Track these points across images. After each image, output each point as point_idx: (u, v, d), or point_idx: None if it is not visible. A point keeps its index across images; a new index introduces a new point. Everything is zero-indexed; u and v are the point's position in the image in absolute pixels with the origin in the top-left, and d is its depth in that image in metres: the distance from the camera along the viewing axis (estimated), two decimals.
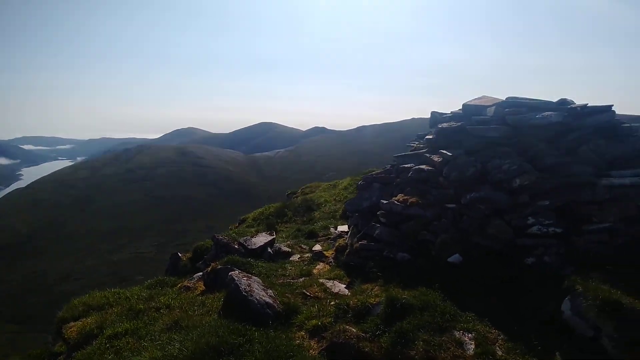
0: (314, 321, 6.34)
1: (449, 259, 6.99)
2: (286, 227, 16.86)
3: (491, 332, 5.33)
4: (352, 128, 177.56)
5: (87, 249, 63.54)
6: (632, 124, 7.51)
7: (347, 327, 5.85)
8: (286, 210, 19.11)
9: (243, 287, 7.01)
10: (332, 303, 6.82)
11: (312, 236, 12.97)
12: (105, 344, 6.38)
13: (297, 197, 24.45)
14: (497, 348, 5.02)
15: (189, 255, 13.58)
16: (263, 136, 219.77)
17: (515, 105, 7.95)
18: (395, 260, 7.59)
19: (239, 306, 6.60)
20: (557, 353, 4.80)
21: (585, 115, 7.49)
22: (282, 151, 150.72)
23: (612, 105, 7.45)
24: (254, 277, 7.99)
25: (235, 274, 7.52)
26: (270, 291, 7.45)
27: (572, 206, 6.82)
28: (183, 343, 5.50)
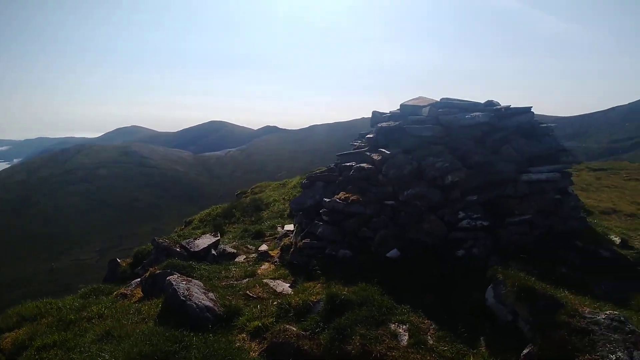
0: (255, 322, 6.29)
1: (388, 255, 7.25)
2: (234, 228, 16.55)
3: (424, 323, 5.60)
4: (304, 127, 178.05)
5: (25, 256, 58.36)
6: (549, 124, 8.22)
7: (288, 326, 5.87)
8: (234, 210, 18.75)
9: (181, 291, 6.81)
10: (275, 303, 6.81)
11: (259, 236, 12.85)
12: (35, 355, 6.09)
13: (247, 197, 24.09)
14: (429, 337, 5.29)
15: (129, 261, 12.90)
16: (213, 135, 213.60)
17: (447, 106, 8.39)
18: (337, 258, 7.73)
19: (177, 311, 6.39)
20: (481, 338, 5.15)
21: (508, 116, 8.08)
22: (234, 150, 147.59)
23: (531, 107, 8.12)
24: (195, 280, 7.79)
25: (173, 278, 7.28)
26: (212, 294, 7.30)
27: (497, 201, 7.35)
28: (113, 354, 5.22)
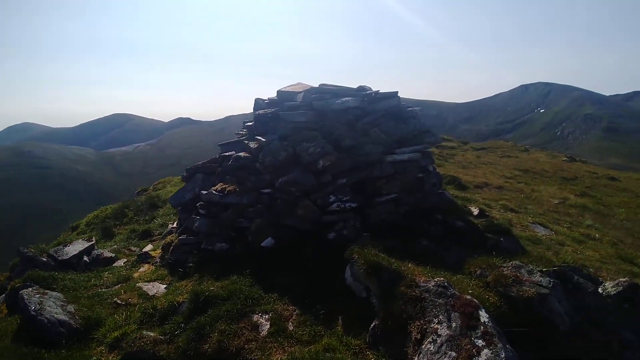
0: (115, 333, 5.76)
1: (262, 244, 7.12)
2: (125, 229, 15.17)
3: (288, 310, 5.57)
4: (220, 118, 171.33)
5: None
6: (414, 108, 8.75)
7: (146, 332, 5.44)
8: (127, 210, 17.13)
9: (33, 306, 6.35)
10: (140, 308, 6.29)
11: (147, 236, 11.91)
12: None
13: (148, 194, 22.32)
14: (290, 324, 5.27)
15: (6, 274, 11.21)
16: (117, 129, 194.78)
17: (321, 92, 8.44)
18: (214, 252, 7.41)
19: (31, 328, 5.95)
20: (340, 317, 5.28)
21: (377, 100, 8.41)
22: (143, 145, 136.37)
23: (397, 92, 8.54)
24: (54, 292, 7.03)
25: (26, 292, 6.65)
26: (72, 306, 6.63)
27: (366, 182, 7.63)
28: None
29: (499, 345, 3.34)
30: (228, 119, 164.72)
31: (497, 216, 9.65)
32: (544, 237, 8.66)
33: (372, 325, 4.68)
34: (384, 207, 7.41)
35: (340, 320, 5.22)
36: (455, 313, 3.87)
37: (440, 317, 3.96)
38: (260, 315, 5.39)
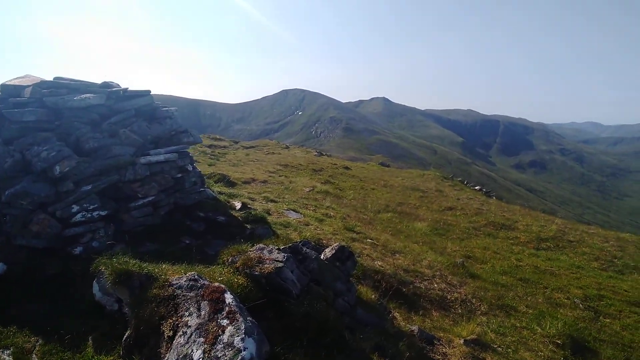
0: None
1: None
2: None
3: (30, 341, 4.69)
4: None
5: None
6: (170, 108, 8.65)
7: None
8: None
9: None
10: None
11: None
12: None
13: None
14: (34, 356, 4.44)
15: None
16: None
17: (55, 87, 7.20)
18: None
19: None
20: (90, 338, 4.77)
21: (127, 98, 7.85)
22: None
23: (150, 90, 8.23)
24: None
25: None
26: None
27: (119, 186, 7.05)
28: None
29: (240, 319, 3.83)
30: None
31: (258, 207, 10.77)
32: (295, 220, 10.30)
33: (125, 335, 4.45)
34: (140, 211, 7.05)
35: (90, 341, 4.72)
36: (205, 302, 4.16)
37: (191, 309, 4.17)
38: (2, 352, 4.26)
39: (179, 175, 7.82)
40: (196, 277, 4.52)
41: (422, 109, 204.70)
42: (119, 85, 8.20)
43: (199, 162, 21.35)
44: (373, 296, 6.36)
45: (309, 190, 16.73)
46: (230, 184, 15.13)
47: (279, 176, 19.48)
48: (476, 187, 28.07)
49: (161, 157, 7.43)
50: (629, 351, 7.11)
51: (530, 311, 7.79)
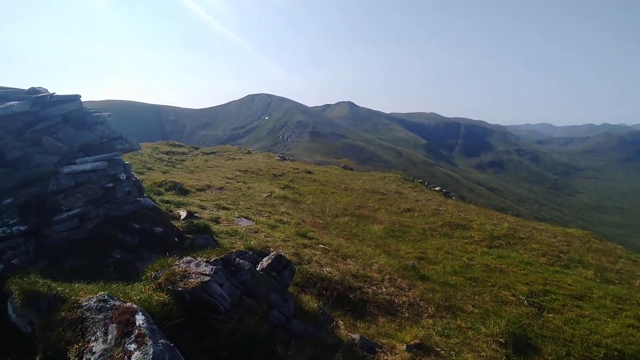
0: None
1: None
2: None
3: None
4: None
5: None
6: (102, 113, 8.10)
7: None
8: None
9: None
10: None
11: None
12: None
13: None
14: None
15: None
16: None
17: None
18: None
19: None
20: None
21: (53, 104, 7.26)
22: None
23: (80, 95, 7.67)
24: None
25: None
26: None
27: (42, 198, 6.48)
28: None
29: (149, 343, 3.50)
30: None
31: (207, 216, 10.35)
32: (244, 228, 9.96)
33: None
34: (65, 224, 6.50)
35: None
36: (113, 324, 3.80)
37: (98, 333, 3.80)
38: None
39: (110, 184, 7.30)
40: (106, 297, 4.14)
41: (387, 112, 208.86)
42: (46, 90, 7.58)
43: (153, 169, 20.50)
44: (315, 305, 6.15)
45: (267, 196, 16.39)
46: (183, 191, 14.54)
47: (237, 182, 19.01)
48: (436, 188, 28.70)
49: (88, 166, 6.90)
50: (570, 346, 7.29)
51: (477, 311, 7.85)
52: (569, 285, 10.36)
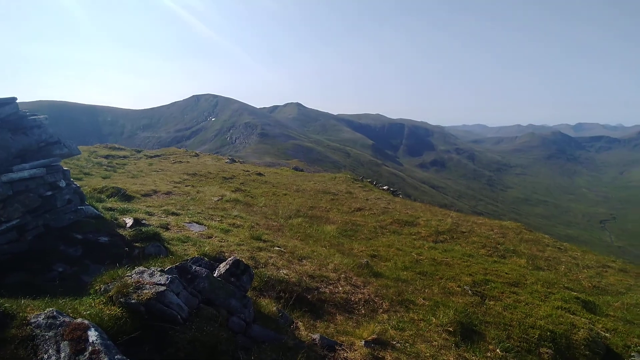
0: None
1: None
2: None
3: None
4: None
5: None
6: (38, 116, 7.46)
7: None
8: None
9: None
10: None
11: None
12: None
13: None
14: None
15: None
16: None
17: None
18: None
19: None
20: None
21: None
22: None
23: (16, 97, 7.02)
24: None
25: None
26: None
27: None
28: None
29: (105, 359, 3.33)
30: None
31: (155, 222, 9.89)
32: (196, 234, 9.66)
33: None
34: (5, 237, 5.95)
35: None
36: (65, 342, 3.56)
37: (50, 351, 3.54)
38: None
39: (49, 193, 6.76)
40: (55, 313, 3.86)
41: (335, 113, 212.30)
42: None
43: (92, 174, 19.12)
44: (275, 308, 6.15)
45: (218, 200, 15.99)
46: (127, 198, 13.74)
47: (185, 186, 18.32)
48: (384, 187, 29.73)
49: (25, 174, 6.33)
50: (509, 329, 7.95)
51: (427, 303, 8.30)
52: (506, 273, 11.28)
